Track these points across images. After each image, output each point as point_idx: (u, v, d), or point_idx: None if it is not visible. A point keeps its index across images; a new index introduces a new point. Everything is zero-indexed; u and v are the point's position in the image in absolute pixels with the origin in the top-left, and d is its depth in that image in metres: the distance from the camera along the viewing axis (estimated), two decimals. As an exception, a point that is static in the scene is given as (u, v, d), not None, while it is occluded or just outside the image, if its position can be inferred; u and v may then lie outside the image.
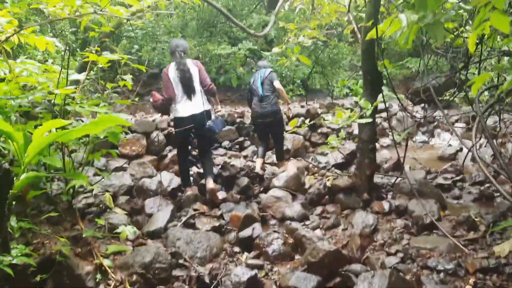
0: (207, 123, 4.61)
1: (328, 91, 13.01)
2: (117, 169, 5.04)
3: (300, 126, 4.65)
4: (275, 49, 5.04)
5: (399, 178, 5.16)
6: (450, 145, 7.44)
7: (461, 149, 7.13)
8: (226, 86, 12.31)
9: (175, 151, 5.96)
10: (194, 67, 4.63)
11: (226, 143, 6.64)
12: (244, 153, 6.69)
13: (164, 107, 4.70)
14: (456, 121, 9.84)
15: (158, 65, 14.06)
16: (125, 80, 3.59)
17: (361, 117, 4.19)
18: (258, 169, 5.47)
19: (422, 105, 10.47)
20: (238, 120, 7.00)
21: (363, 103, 4.34)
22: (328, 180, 5.02)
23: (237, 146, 6.75)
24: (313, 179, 5.16)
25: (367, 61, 4.72)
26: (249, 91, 6.21)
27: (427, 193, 4.60)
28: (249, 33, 5.81)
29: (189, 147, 5.52)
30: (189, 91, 4.54)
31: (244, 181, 4.65)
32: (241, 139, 6.85)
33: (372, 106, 4.26)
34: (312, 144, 7.75)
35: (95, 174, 4.78)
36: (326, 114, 7.75)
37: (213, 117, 4.86)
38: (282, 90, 5.83)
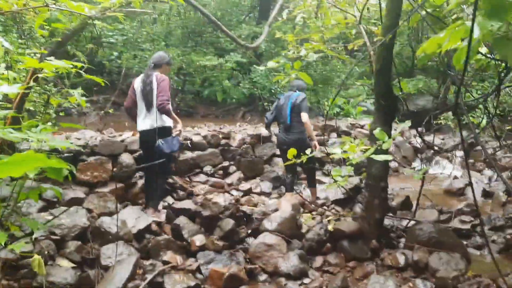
0: (158, 142, 4.22)
1: (319, 109, 12.30)
2: (72, 202, 4.09)
3: (299, 158, 3.80)
4: (271, 63, 4.21)
5: (412, 222, 4.37)
6: (456, 177, 6.69)
7: (470, 183, 6.37)
8: (210, 100, 11.47)
9: (146, 178, 5.06)
10: (155, 81, 4.33)
11: (208, 168, 5.74)
12: (228, 180, 5.81)
13: (130, 115, 4.69)
14: (455, 147, 9.14)
15: (139, 74, 13.12)
16: (73, 95, 2.69)
17: (377, 150, 3.37)
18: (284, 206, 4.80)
19: (420, 129, 9.78)
20: (223, 142, 6.12)
21: (378, 133, 3.53)
22: (329, 222, 4.19)
23: (221, 172, 5.86)
24: (311, 219, 4.31)
25: (381, 83, 3.94)
26: (273, 111, 5.44)
27: (448, 243, 3.81)
28: (240, 44, 4.99)
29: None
30: (147, 105, 4.35)
31: (229, 224, 3.75)
32: (225, 163, 5.96)
33: (390, 138, 3.46)
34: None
35: (41, 210, 3.83)
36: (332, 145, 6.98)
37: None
38: (309, 125, 5.11)
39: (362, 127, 8.45)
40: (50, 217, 3.65)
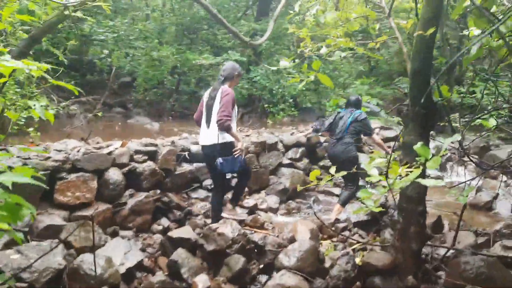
0: (218, 161, 4.00)
1: (321, 110, 11.67)
2: (47, 231, 3.40)
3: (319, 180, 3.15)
4: (283, 62, 3.54)
5: (451, 251, 3.72)
6: (479, 188, 6.05)
7: (497, 196, 5.77)
8: (206, 102, 10.76)
9: (137, 196, 4.35)
10: (220, 94, 4.12)
11: (208, 182, 5.05)
12: (231, 195, 5.12)
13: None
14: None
15: (131, 73, 12.34)
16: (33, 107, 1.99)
17: (422, 174, 2.70)
18: (332, 217, 4.78)
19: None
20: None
21: (420, 149, 2.86)
22: (354, 251, 3.54)
23: (223, 187, 5.17)
24: (333, 249, 3.65)
25: (418, 87, 3.28)
26: (331, 121, 5.32)
27: (499, 279, 3.16)
28: (243, 40, 4.36)
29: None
30: (207, 119, 4.23)
31: (239, 262, 3.05)
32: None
33: (437, 155, 2.80)
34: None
35: (7, 245, 3.12)
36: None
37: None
38: (381, 143, 5.42)
39: (372, 131, 7.75)
40: (17, 256, 2.97)
